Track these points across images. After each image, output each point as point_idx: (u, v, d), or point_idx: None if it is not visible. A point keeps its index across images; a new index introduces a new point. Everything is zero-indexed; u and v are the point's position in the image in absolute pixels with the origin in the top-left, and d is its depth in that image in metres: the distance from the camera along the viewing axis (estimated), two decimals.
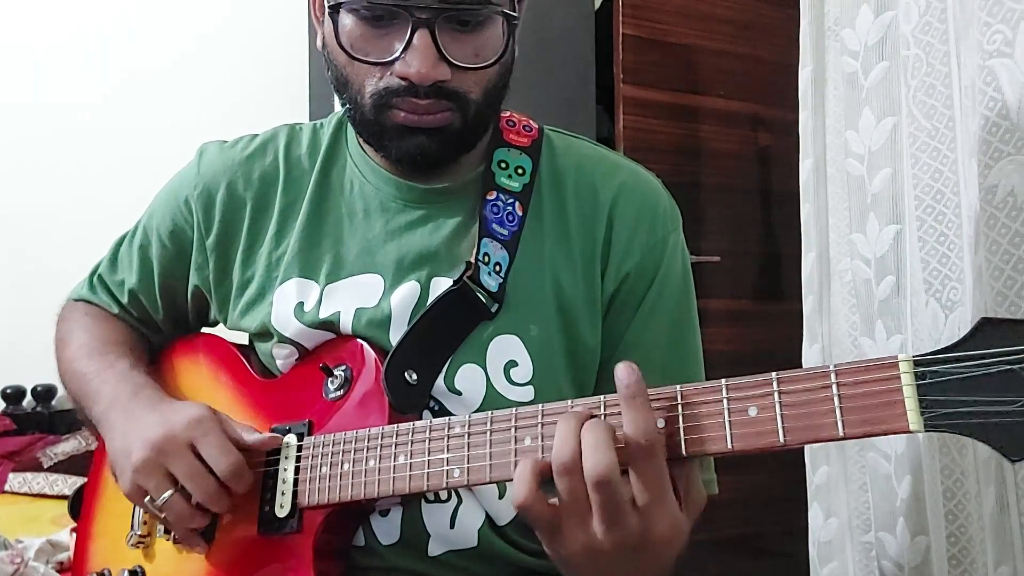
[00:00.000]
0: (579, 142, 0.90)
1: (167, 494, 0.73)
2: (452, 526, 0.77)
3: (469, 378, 0.78)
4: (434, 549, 0.77)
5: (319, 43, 0.81)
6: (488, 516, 0.78)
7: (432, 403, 0.77)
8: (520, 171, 0.84)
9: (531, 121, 0.89)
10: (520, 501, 0.58)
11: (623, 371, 0.57)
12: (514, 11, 0.75)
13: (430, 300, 0.79)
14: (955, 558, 1.03)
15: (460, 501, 0.77)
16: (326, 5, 0.75)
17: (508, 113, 0.88)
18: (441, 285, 0.79)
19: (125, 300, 0.95)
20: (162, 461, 0.73)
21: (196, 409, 0.76)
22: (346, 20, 0.74)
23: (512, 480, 0.60)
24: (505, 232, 0.81)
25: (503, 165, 0.84)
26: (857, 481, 1.19)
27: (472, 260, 0.79)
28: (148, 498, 0.74)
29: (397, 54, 0.72)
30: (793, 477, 1.38)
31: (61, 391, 0.95)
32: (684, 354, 0.85)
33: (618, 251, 0.82)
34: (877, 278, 1.14)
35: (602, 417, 0.59)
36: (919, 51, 1.03)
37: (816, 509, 1.27)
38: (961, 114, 0.98)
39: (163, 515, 0.74)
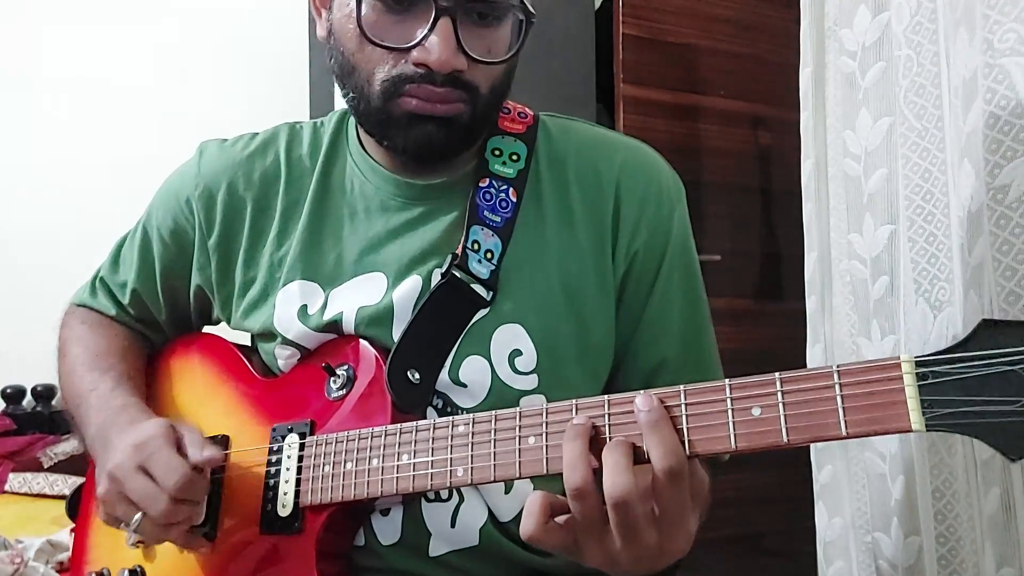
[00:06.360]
0: (575, 124, 0.90)
1: (136, 518, 0.73)
2: (453, 525, 0.77)
3: (474, 369, 0.77)
4: (435, 549, 0.77)
5: (321, 32, 0.81)
6: (491, 514, 0.78)
7: (436, 399, 0.77)
8: (515, 157, 0.84)
9: (526, 108, 0.89)
10: (529, 534, 0.60)
11: (642, 400, 0.58)
12: (533, 12, 0.76)
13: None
14: (944, 558, 1.03)
15: (462, 500, 0.77)
16: None
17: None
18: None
19: (127, 301, 0.95)
20: (119, 489, 0.74)
21: (143, 432, 0.75)
22: (364, 5, 0.73)
23: (517, 478, 0.61)
24: (497, 219, 0.81)
25: (497, 152, 0.84)
26: (860, 481, 1.19)
27: (459, 250, 0.79)
28: (123, 524, 0.75)
29: (417, 40, 0.72)
30: (796, 476, 1.38)
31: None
32: (698, 322, 0.86)
33: (626, 230, 0.82)
34: (872, 278, 1.14)
35: (606, 416, 0.60)
36: (910, 51, 1.03)
37: (821, 508, 1.26)
38: (951, 114, 0.98)
39: (140, 538, 0.75)
